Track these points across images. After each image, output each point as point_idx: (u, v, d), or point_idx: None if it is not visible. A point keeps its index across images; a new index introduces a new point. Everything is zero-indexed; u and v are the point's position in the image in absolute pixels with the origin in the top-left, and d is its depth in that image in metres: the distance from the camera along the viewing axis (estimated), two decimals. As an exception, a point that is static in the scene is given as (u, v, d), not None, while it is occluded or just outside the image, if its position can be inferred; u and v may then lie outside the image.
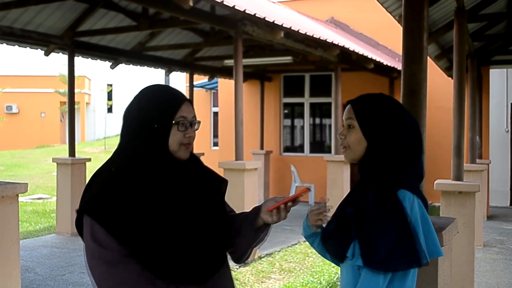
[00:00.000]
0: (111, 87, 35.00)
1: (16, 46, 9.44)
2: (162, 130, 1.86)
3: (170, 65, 12.34)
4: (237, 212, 2.16)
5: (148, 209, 1.80)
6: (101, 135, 34.72)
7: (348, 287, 2.06)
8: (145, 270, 1.79)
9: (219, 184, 2.05)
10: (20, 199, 12.96)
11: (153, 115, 1.87)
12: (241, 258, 2.06)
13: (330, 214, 2.13)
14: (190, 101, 1.97)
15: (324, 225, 2.13)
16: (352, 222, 2.01)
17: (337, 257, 2.10)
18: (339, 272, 7.10)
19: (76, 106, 22.42)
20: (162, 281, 1.79)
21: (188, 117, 1.91)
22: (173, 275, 1.80)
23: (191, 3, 6.30)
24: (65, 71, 10.74)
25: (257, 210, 2.02)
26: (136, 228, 1.78)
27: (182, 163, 1.93)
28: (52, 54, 9.87)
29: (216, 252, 1.92)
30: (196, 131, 1.97)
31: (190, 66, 12.66)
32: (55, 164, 9.50)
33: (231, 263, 2.05)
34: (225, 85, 15.22)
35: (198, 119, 1.98)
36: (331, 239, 2.10)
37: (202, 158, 2.09)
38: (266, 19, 7.55)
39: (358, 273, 2.00)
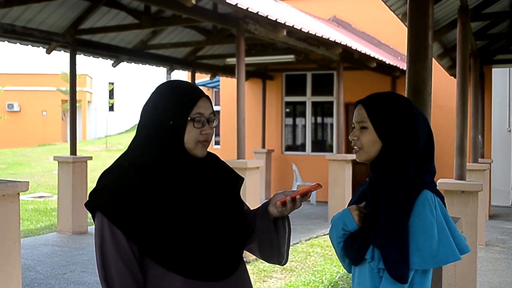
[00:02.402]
0: (113, 86, 34.99)
1: (18, 44, 9.42)
2: (177, 127, 1.83)
3: (172, 64, 12.31)
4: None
5: (162, 206, 1.79)
6: (102, 133, 34.72)
7: None
8: (160, 267, 1.78)
9: (236, 181, 2.02)
10: (21, 197, 12.99)
11: (169, 112, 1.84)
12: (270, 257, 2.00)
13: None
14: (208, 97, 1.93)
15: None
16: (371, 224, 1.98)
17: (354, 259, 2.06)
18: (340, 271, 7.07)
19: (77, 105, 22.42)
20: (178, 277, 1.78)
21: (205, 114, 1.88)
22: (189, 272, 1.79)
23: (193, 1, 6.28)
24: (67, 69, 10.79)
25: (267, 204, 1.99)
26: (150, 226, 1.76)
27: (199, 161, 1.90)
28: (54, 52, 9.85)
29: (233, 250, 1.90)
30: (214, 128, 1.93)
31: (192, 64, 12.64)
32: (57, 162, 9.49)
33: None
34: (227, 84, 15.21)
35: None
36: (353, 243, 2.05)
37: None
38: (269, 17, 7.53)
39: (377, 275, 1.97)
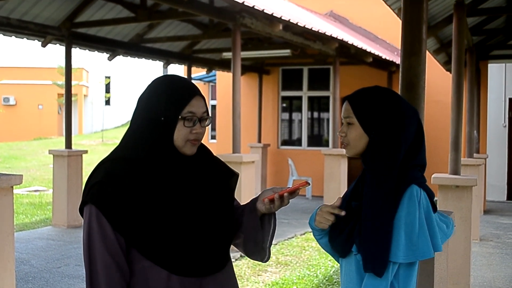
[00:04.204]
0: (109, 80, 34.92)
1: (13, 37, 9.38)
2: (168, 124, 1.83)
3: (168, 57, 12.29)
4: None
5: (150, 199, 1.79)
6: (98, 127, 34.67)
7: (352, 282, 2.03)
8: (146, 260, 1.78)
9: (229, 177, 2.02)
10: (17, 191, 12.94)
11: (161, 108, 1.83)
12: (253, 254, 2.01)
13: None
14: (202, 95, 1.92)
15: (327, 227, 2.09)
16: (359, 217, 1.98)
17: (342, 252, 2.06)
18: (335, 265, 7.08)
19: (73, 99, 22.26)
20: (164, 271, 1.79)
21: (197, 113, 1.86)
22: (174, 266, 1.79)
23: (189, -5, 6.26)
24: (63, 63, 10.77)
25: (255, 200, 2.00)
26: (137, 217, 1.77)
27: (188, 158, 1.89)
28: (51, 45, 9.82)
29: (219, 246, 1.90)
30: (206, 127, 1.92)
31: (188, 58, 12.62)
32: (52, 156, 9.47)
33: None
34: (223, 78, 15.19)
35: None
36: (340, 236, 2.06)
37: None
38: (265, 11, 7.52)
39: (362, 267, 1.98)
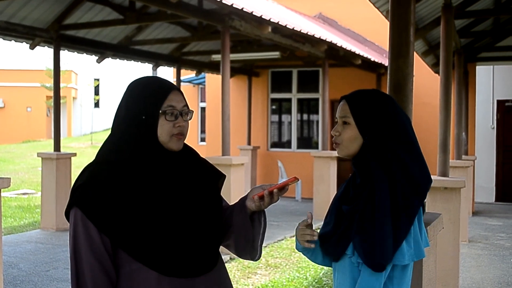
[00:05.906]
0: (98, 82, 34.79)
1: (1, 39, 9.32)
2: (149, 121, 1.83)
3: (157, 60, 12.27)
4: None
5: (137, 200, 1.78)
6: (88, 130, 34.54)
7: (345, 285, 2.03)
8: (135, 262, 1.77)
9: (216, 178, 2.02)
10: (5, 194, 12.85)
11: (140, 106, 1.84)
12: (243, 252, 2.01)
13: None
14: (179, 90, 1.93)
15: (313, 244, 2.08)
16: (352, 220, 1.98)
17: (335, 255, 2.06)
18: (325, 268, 7.08)
19: (62, 101, 22.11)
20: (153, 272, 1.78)
21: (177, 106, 1.87)
22: (164, 267, 1.78)
23: (177, -3, 6.25)
24: (51, 65, 10.72)
25: (244, 198, 2.00)
26: (124, 219, 1.76)
27: (174, 155, 1.89)
28: (39, 48, 9.76)
29: (209, 246, 1.89)
30: (190, 121, 1.93)
31: (177, 60, 12.60)
32: (41, 159, 9.42)
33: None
34: (213, 80, 15.18)
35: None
36: (330, 239, 2.06)
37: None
38: (254, 13, 7.52)
39: (356, 269, 1.98)
